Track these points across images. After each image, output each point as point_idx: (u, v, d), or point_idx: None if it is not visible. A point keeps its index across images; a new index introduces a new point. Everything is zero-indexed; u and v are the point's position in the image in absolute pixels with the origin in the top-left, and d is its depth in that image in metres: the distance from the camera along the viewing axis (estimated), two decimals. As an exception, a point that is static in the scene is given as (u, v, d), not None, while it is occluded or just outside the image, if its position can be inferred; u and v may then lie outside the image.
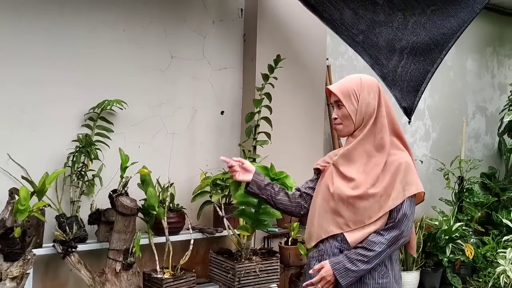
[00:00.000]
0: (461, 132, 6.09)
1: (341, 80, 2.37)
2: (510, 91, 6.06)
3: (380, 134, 2.27)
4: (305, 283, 2.27)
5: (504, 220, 3.89)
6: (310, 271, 2.28)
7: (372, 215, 2.23)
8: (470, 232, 5.42)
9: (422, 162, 5.76)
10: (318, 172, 2.50)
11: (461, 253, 5.16)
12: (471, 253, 5.11)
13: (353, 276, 2.20)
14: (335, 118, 2.33)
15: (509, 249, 3.64)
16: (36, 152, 3.44)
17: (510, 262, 3.58)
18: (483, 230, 5.71)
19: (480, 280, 5.40)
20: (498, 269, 3.66)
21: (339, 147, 4.95)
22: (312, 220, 2.38)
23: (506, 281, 3.65)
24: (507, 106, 5.95)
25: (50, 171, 3.24)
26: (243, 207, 3.36)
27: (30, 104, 3.42)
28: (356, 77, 2.35)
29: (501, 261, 3.66)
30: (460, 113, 6.39)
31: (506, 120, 5.50)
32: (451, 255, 5.05)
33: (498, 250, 3.96)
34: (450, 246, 5.05)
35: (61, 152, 3.50)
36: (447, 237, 5.01)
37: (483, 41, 6.60)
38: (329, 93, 2.38)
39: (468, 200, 5.57)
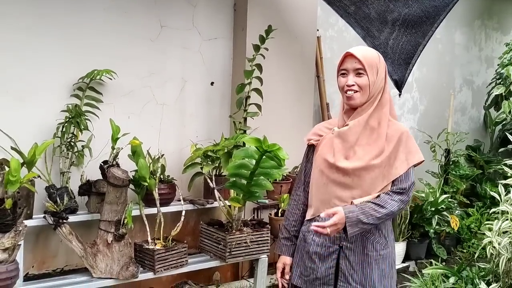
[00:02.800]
0: (448, 105, 6.12)
1: (362, 49, 2.30)
2: (498, 65, 6.08)
3: (384, 108, 2.29)
4: (315, 224, 2.19)
5: (491, 193, 3.94)
6: (323, 214, 2.21)
7: (377, 186, 2.25)
8: (455, 204, 5.51)
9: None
10: (311, 147, 2.48)
11: (446, 224, 5.24)
12: (456, 225, 5.20)
13: (361, 228, 2.19)
14: (351, 85, 2.25)
15: (496, 221, 3.69)
16: (24, 123, 3.38)
17: (497, 233, 3.64)
18: (468, 202, 5.80)
19: (465, 250, 5.51)
20: (485, 241, 3.72)
21: (328, 118, 4.97)
22: (312, 194, 2.39)
23: (492, 252, 3.72)
24: (494, 79, 5.98)
25: (39, 142, 3.17)
26: (235, 178, 3.37)
27: (17, 74, 3.34)
28: (374, 50, 2.34)
29: (487, 233, 3.72)
30: (448, 86, 6.42)
31: (494, 93, 5.53)
32: (437, 227, 5.13)
33: (485, 222, 4.02)
34: (436, 217, 5.13)
35: (49, 122, 3.44)
36: (433, 209, 5.08)
37: (472, 14, 6.59)
38: (345, 57, 2.29)
39: (454, 172, 5.64)
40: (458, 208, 5.55)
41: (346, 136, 2.29)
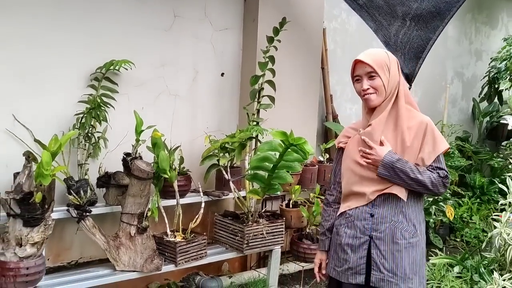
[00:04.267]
0: (440, 97, 6.23)
1: (369, 53, 2.38)
2: (491, 58, 6.22)
3: (400, 101, 2.37)
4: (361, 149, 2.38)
5: (500, 185, 4.07)
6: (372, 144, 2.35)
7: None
8: (449, 194, 5.64)
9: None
10: (341, 150, 2.58)
11: (441, 214, 5.37)
12: (451, 214, 5.32)
13: (391, 175, 2.31)
14: (366, 89, 2.35)
15: (504, 212, 3.81)
16: (41, 113, 3.32)
17: (505, 225, 3.76)
18: (462, 192, 5.95)
19: (458, 239, 5.67)
20: (494, 231, 3.84)
21: (332, 110, 5.02)
22: (345, 191, 2.48)
23: (500, 242, 3.85)
24: (488, 73, 6.11)
25: (55, 133, 3.15)
26: (257, 171, 3.39)
27: (34, 64, 3.27)
28: (381, 50, 2.42)
29: (496, 224, 3.85)
30: (440, 78, 6.54)
31: (500, 87, 5.65)
32: (433, 217, 5.25)
33: (494, 213, 4.15)
34: (434, 207, 5.24)
35: (66, 113, 3.39)
36: (431, 199, 5.19)
37: (463, 8, 6.64)
38: (355, 65, 2.39)
39: (449, 163, 5.76)
40: (451, 198, 5.69)
41: (371, 135, 2.38)
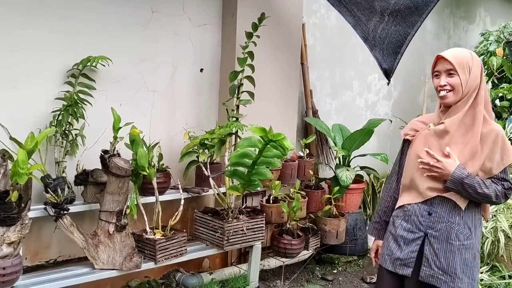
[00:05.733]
0: (420, 92, 6.27)
1: (452, 51, 2.39)
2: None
3: (479, 107, 2.36)
4: (420, 160, 2.40)
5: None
6: (446, 151, 2.36)
7: None
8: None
9: (391, 121, 5.92)
10: (407, 141, 2.61)
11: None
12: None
13: (457, 190, 2.33)
14: (443, 86, 2.36)
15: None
16: (17, 111, 3.26)
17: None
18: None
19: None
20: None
21: (312, 106, 5.02)
22: (404, 185, 2.54)
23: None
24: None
25: (32, 130, 3.11)
26: (236, 167, 3.38)
27: (9, 61, 3.21)
28: (466, 50, 2.42)
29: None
30: (419, 72, 6.59)
31: None
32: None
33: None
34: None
35: (42, 110, 3.34)
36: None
37: (441, 3, 6.74)
38: (436, 60, 2.40)
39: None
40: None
41: (442, 134, 2.40)
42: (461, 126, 2.37)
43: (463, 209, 2.37)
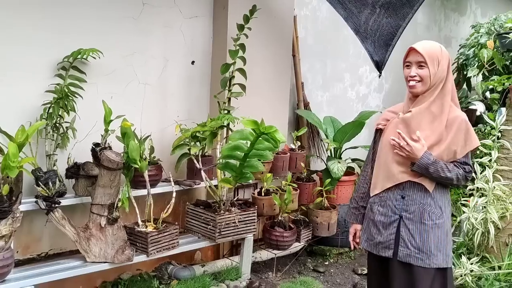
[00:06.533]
0: (411, 84, 6.24)
1: (424, 44, 2.52)
2: (460, 45, 6.30)
3: (446, 97, 2.52)
4: (392, 138, 2.53)
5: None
6: (415, 136, 2.49)
7: None
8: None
9: (381, 112, 5.92)
10: (378, 131, 2.78)
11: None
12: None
13: (422, 173, 2.50)
14: (413, 76, 2.50)
15: (472, 197, 3.89)
16: (7, 104, 3.25)
17: (473, 210, 3.85)
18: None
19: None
20: (462, 216, 3.92)
21: (303, 98, 5.03)
22: (378, 172, 2.70)
23: (469, 226, 3.93)
24: (457, 60, 6.17)
25: (22, 123, 3.07)
26: (228, 160, 3.38)
27: (-1, 52, 3.20)
28: (436, 44, 2.56)
29: (464, 209, 3.93)
30: (410, 65, 6.59)
31: (468, 74, 5.73)
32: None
33: (463, 198, 4.24)
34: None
35: (33, 103, 3.32)
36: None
37: (433, -6, 6.77)
38: (409, 52, 2.54)
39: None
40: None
41: (409, 121, 2.55)
42: (428, 114, 2.52)
43: (431, 191, 2.53)
